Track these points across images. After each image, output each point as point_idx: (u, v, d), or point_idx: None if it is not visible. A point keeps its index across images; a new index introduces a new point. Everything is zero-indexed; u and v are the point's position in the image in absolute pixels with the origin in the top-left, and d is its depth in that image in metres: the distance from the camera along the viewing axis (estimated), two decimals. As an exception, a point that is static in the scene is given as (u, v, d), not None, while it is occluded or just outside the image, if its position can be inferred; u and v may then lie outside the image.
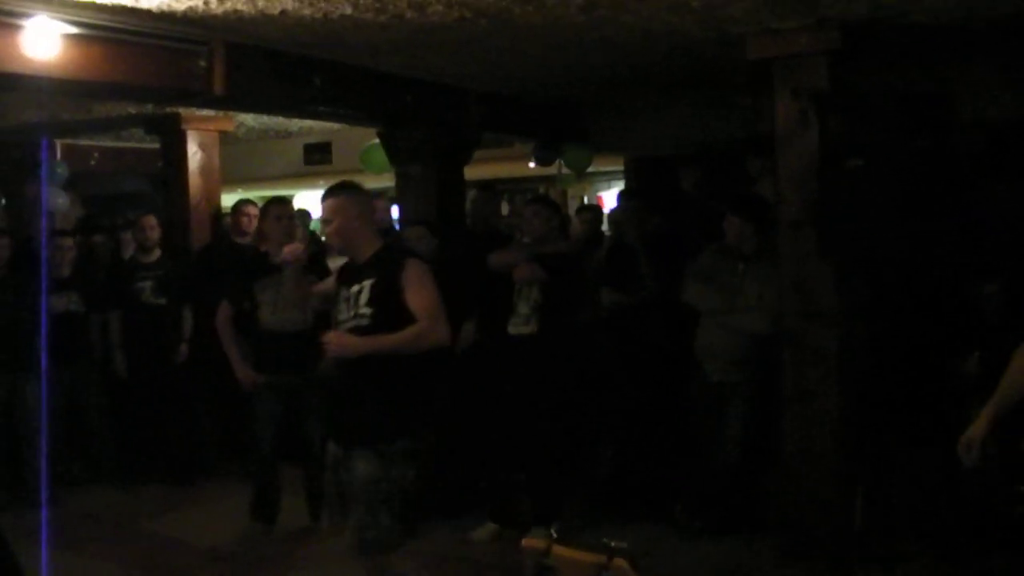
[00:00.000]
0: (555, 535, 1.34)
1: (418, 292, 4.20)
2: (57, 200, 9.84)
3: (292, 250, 4.58)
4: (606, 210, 9.45)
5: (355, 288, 4.28)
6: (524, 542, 1.41)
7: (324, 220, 4.40)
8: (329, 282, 4.68)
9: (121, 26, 5.26)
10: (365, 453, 4.19)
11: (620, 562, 1.51)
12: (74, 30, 5.09)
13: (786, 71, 5.64)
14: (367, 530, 4.19)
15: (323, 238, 5.96)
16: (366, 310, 4.22)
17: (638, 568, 1.54)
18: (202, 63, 5.70)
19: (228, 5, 5.08)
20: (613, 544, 1.55)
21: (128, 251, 8.38)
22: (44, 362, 6.80)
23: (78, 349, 7.52)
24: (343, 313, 4.32)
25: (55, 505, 7.05)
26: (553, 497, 6.01)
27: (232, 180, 11.58)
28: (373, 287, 4.22)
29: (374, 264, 4.31)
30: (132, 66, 5.43)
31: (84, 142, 10.84)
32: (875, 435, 5.91)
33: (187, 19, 5.31)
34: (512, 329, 5.96)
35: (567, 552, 1.53)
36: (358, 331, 4.22)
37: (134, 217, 8.35)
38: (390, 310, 4.18)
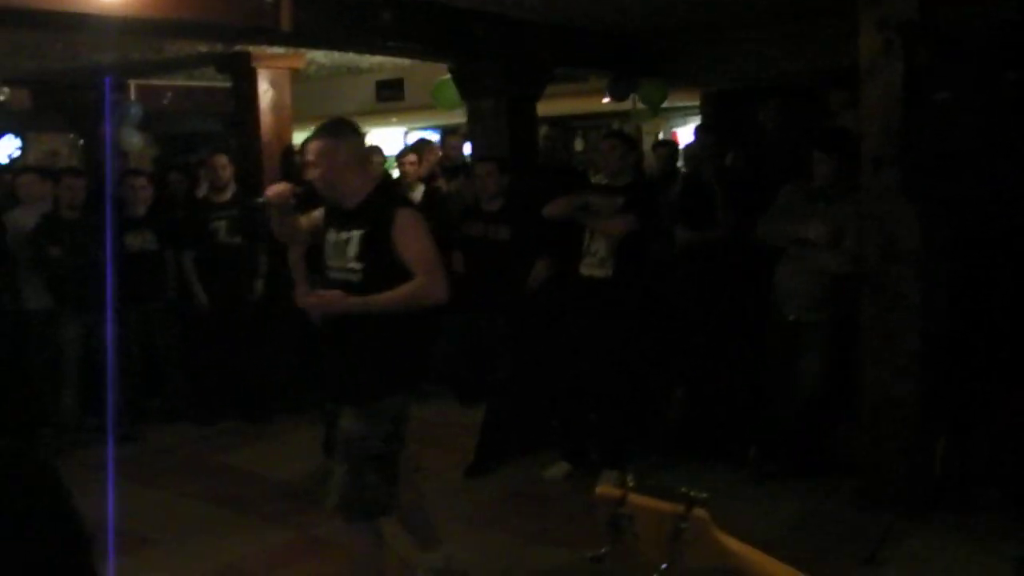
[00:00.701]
0: (630, 483, 1.28)
1: (411, 245, 3.90)
2: (132, 140, 9.94)
3: (276, 192, 4.10)
4: (682, 146, 9.25)
5: (343, 235, 3.98)
6: (598, 490, 1.34)
7: (311, 164, 4.12)
8: (316, 216, 4.26)
9: (188, -37, 5.22)
10: (352, 410, 3.97)
11: (700, 512, 1.43)
12: (141, -32, 5.07)
13: (871, 0, 5.42)
14: (351, 490, 3.94)
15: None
16: (356, 264, 3.92)
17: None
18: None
19: (295, -60, 5.01)
20: (692, 493, 1.47)
21: (203, 190, 8.43)
22: (113, 301, 6.86)
23: (153, 287, 7.61)
24: (332, 259, 4.04)
25: (133, 441, 7.22)
26: (623, 439, 5.96)
27: (304, 118, 11.54)
28: (364, 239, 3.92)
29: (364, 212, 3.98)
30: (200, 3, 5.40)
31: (157, 82, 10.89)
32: (957, 380, 5.75)
33: (254, -45, 5.26)
34: (585, 270, 5.86)
35: (643, 501, 1.45)
36: (348, 286, 3.91)
37: (207, 156, 8.38)
38: (382, 264, 3.88)
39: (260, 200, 4.27)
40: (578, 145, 13.38)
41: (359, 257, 3.90)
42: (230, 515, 5.89)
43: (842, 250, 5.72)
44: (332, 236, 4.04)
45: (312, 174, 4.10)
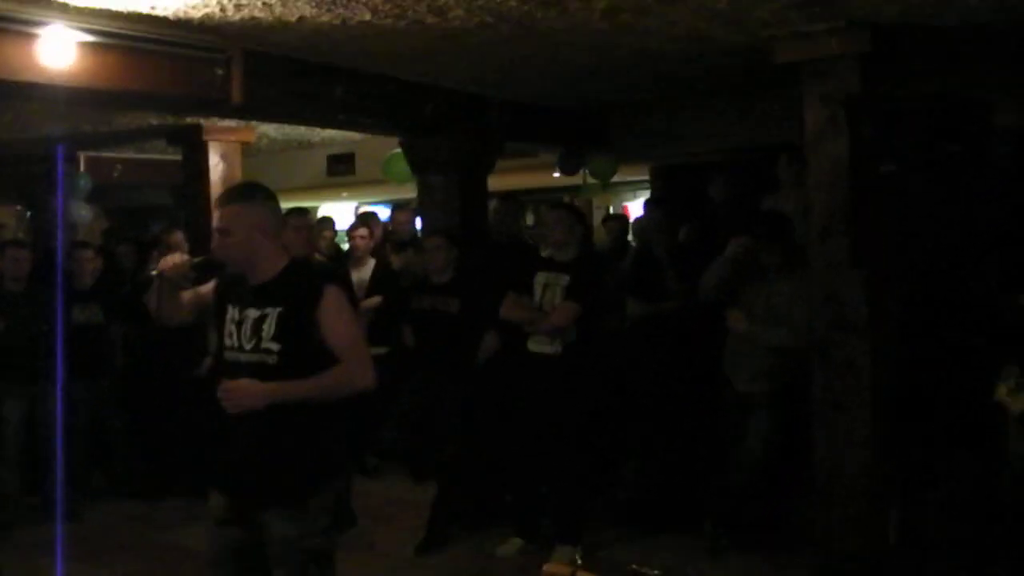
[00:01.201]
0: (579, 560, 1.21)
1: (338, 327, 3.54)
2: (80, 212, 9.86)
3: (172, 263, 3.70)
4: (632, 219, 9.32)
5: (254, 314, 3.54)
6: (545, 568, 1.27)
7: (220, 231, 3.61)
8: (204, 292, 3.84)
9: (137, 34, 5.20)
10: (282, 512, 3.52)
11: (648, 592, 1.38)
12: (90, 38, 5.04)
13: (815, 75, 5.52)
14: None
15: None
16: (273, 345, 3.47)
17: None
18: (219, 71, 5.64)
19: (245, 12, 5.01)
20: (644, 571, 1.42)
21: (153, 266, 8.32)
22: (62, 375, 6.75)
23: (100, 361, 7.47)
24: (235, 339, 3.56)
25: (75, 519, 7.03)
26: (576, 513, 5.89)
27: (255, 191, 11.54)
28: (282, 317, 3.49)
29: (282, 287, 3.57)
30: (149, 74, 5.37)
31: (107, 154, 10.84)
32: (909, 450, 5.77)
33: (204, 27, 5.25)
34: (534, 347, 5.81)
35: (593, 581, 1.40)
36: (263, 369, 3.47)
37: (161, 231, 8.30)
38: (302, 347, 3.49)
39: (153, 273, 3.79)
40: (528, 219, 13.43)
41: (276, 337, 3.47)
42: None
43: (789, 327, 5.75)
44: (238, 314, 3.58)
45: (220, 243, 3.62)
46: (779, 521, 5.98)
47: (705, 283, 6.09)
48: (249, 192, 3.74)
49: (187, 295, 3.85)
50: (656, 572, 1.36)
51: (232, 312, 3.60)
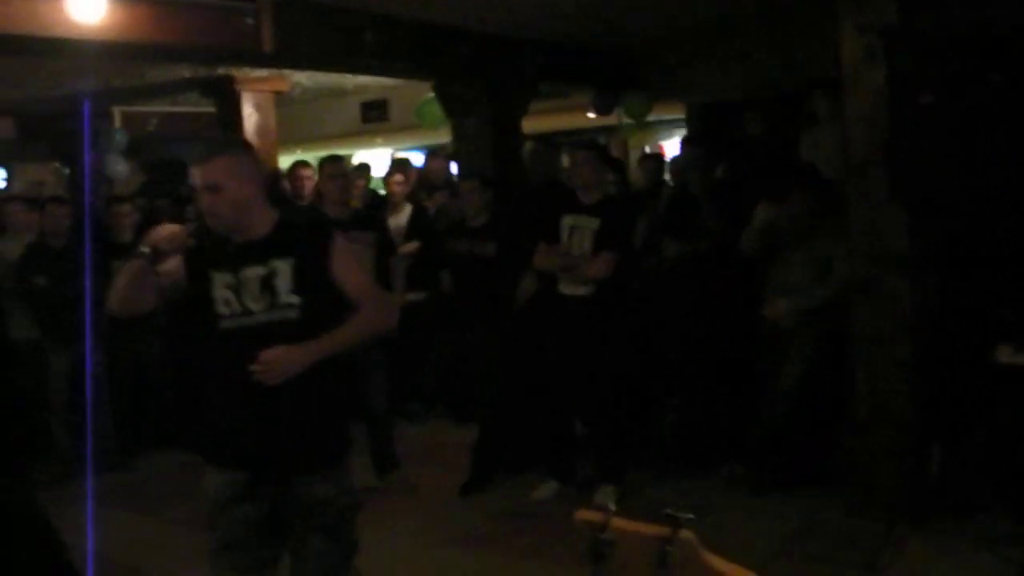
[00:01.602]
0: (613, 508, 1.22)
1: (352, 273, 3.45)
2: (117, 167, 9.90)
3: (168, 234, 3.33)
4: (668, 159, 9.25)
5: (259, 271, 3.31)
6: (578, 515, 1.27)
7: (210, 188, 3.27)
8: (171, 267, 3.39)
9: (166, -14, 5.21)
10: (325, 474, 3.41)
11: (687, 534, 1.37)
12: (119, -8, 5.05)
13: (851, 6, 5.41)
14: (339, 558, 3.50)
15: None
16: (292, 299, 3.30)
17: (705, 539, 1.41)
18: (249, 20, 5.64)
19: (273, -40, 5.00)
20: (678, 515, 1.41)
21: (192, 217, 8.39)
22: (98, 330, 6.82)
23: (142, 314, 7.52)
24: (235, 304, 3.31)
25: (123, 468, 7.16)
26: (618, 453, 5.91)
27: (290, 141, 11.56)
28: (297, 269, 3.31)
29: (286, 239, 3.37)
30: (179, 26, 5.38)
31: (141, 108, 10.86)
32: (950, 384, 5.72)
33: (232, -24, 5.25)
34: (566, 289, 5.79)
35: (627, 525, 1.39)
36: (283, 326, 3.28)
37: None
38: (321, 297, 3.36)
39: (143, 250, 3.30)
40: (564, 161, 13.34)
41: (296, 290, 3.30)
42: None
43: (829, 282, 5.71)
44: (227, 278, 3.32)
45: (211, 201, 3.29)
46: (821, 458, 5.96)
47: (744, 247, 6.10)
48: (234, 142, 3.57)
49: (167, 268, 3.38)
50: (690, 515, 1.36)
51: (222, 277, 3.31)
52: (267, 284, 3.30)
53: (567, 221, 5.81)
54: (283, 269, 3.30)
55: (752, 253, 6.10)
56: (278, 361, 3.23)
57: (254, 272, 3.30)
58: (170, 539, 5.91)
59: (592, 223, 5.73)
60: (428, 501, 6.21)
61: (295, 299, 3.30)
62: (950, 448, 5.63)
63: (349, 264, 3.44)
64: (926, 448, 5.58)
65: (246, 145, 3.55)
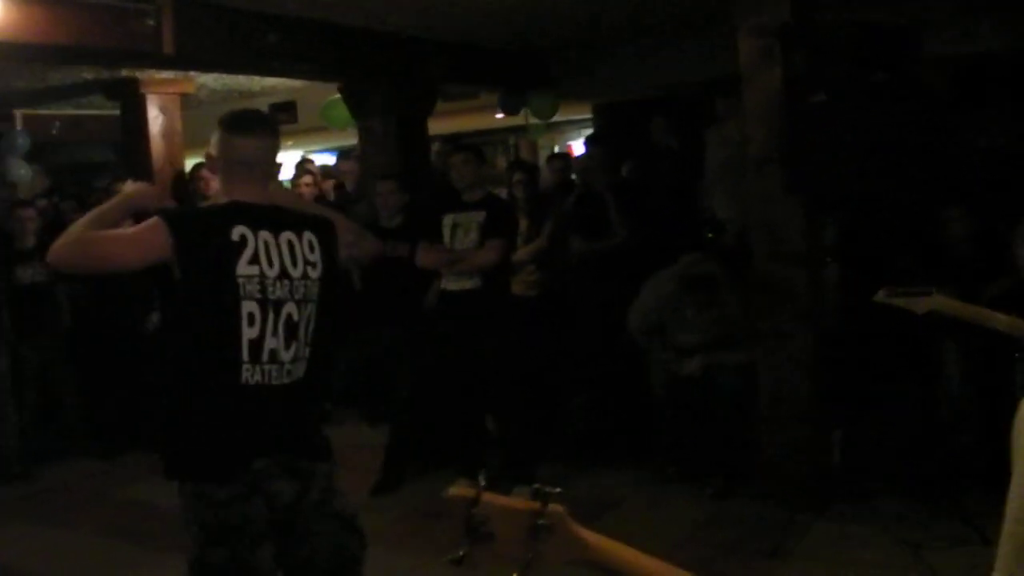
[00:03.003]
0: (483, 482, 1.26)
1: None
2: (19, 171, 9.71)
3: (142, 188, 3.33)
4: (575, 157, 9.35)
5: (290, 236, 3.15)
6: (450, 492, 1.32)
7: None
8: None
9: (63, -14, 5.14)
10: (319, 466, 3.23)
11: (556, 508, 1.43)
12: (14, -8, 4.97)
13: (748, 7, 5.57)
14: (350, 548, 3.37)
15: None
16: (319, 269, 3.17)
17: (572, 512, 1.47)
18: (150, 22, 5.58)
19: (173, -39, 4.96)
20: (547, 489, 1.48)
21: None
22: (4, 335, 6.72)
23: (46, 320, 7.43)
24: (277, 266, 3.07)
25: (29, 479, 7.02)
26: (526, 450, 5.98)
27: (198, 143, 11.38)
28: (321, 241, 3.24)
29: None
30: (77, 27, 5.30)
31: (45, 111, 10.66)
32: (850, 374, 5.89)
33: (132, -23, 5.19)
34: (452, 285, 5.92)
35: (498, 500, 1.45)
36: (312, 289, 3.17)
37: (104, 185, 8.22)
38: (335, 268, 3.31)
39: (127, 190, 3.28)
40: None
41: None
42: (130, 549, 5.77)
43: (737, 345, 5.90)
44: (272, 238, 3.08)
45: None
46: (726, 447, 6.09)
47: (632, 324, 6.22)
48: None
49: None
50: (558, 490, 1.41)
51: (260, 236, 3.02)
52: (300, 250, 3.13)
53: (447, 220, 5.99)
54: (308, 238, 3.16)
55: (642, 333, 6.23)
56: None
57: (288, 236, 3.12)
58: (78, 549, 5.83)
59: (478, 216, 5.90)
60: (340, 502, 6.21)
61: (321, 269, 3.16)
62: (850, 434, 5.80)
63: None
64: (827, 435, 5.75)
65: None
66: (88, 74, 8.38)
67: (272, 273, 3.00)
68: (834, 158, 5.22)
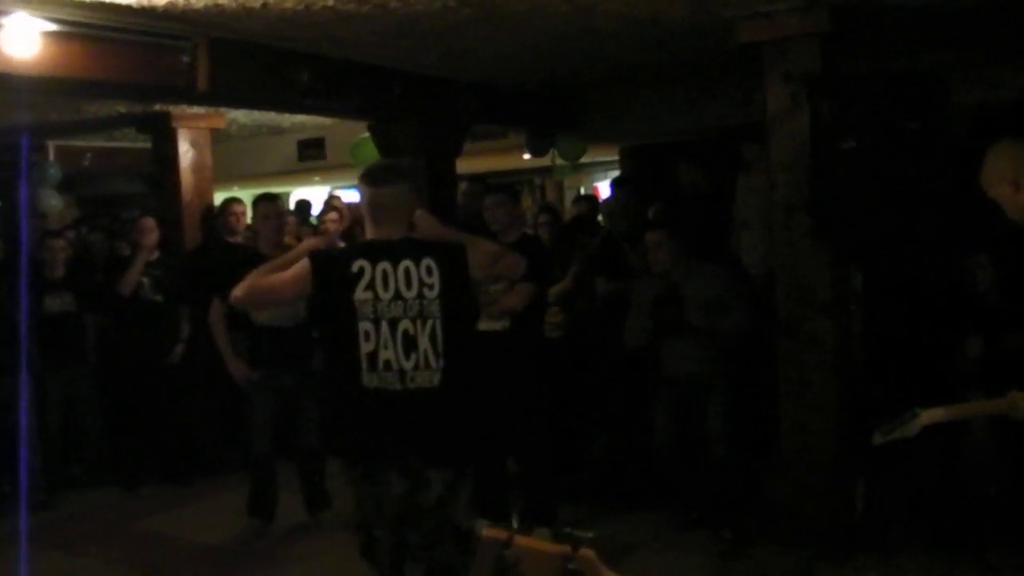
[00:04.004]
0: (516, 525, 1.26)
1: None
2: (50, 201, 9.81)
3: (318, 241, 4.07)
4: (601, 200, 9.39)
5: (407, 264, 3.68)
6: (484, 533, 1.33)
7: None
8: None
9: (101, 22, 5.21)
10: (446, 473, 3.66)
11: (587, 552, 1.44)
12: (53, 27, 5.05)
13: (776, 54, 5.59)
14: (450, 557, 3.69)
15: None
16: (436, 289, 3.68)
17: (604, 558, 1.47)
18: (185, 58, 5.64)
19: (209, -1, 5.03)
20: (578, 533, 1.48)
21: (126, 252, 8.34)
22: (29, 365, 6.77)
23: (73, 350, 7.49)
24: (391, 290, 3.65)
25: (50, 508, 7.05)
26: (547, 492, 5.95)
27: (226, 178, 11.53)
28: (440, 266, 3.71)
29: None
30: (114, 63, 5.37)
31: (77, 143, 10.78)
32: (873, 422, 5.85)
33: (168, 14, 5.26)
34: (484, 325, 5.82)
35: (529, 543, 1.46)
36: (427, 309, 3.67)
37: (131, 217, 8.29)
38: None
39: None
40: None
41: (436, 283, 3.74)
42: (144, 581, 5.79)
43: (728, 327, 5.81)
44: (389, 267, 3.68)
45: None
46: (747, 494, 6.06)
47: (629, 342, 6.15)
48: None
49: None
50: (590, 534, 1.41)
51: (379, 267, 3.60)
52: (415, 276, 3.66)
53: None
54: (427, 263, 3.67)
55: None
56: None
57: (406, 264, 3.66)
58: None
59: None
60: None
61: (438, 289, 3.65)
62: (874, 483, 5.76)
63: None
64: (851, 483, 5.71)
65: None
66: (121, 107, 8.48)
67: (387, 296, 3.58)
68: (861, 206, 5.23)
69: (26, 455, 6.84)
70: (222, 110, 8.70)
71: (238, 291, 3.71)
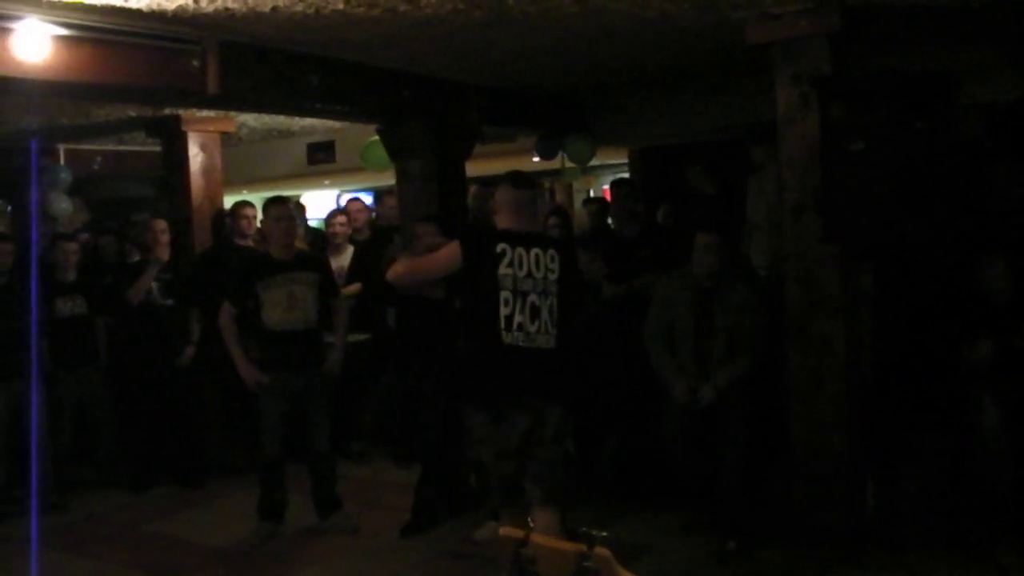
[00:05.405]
0: (531, 524, 1.28)
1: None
2: (60, 205, 9.84)
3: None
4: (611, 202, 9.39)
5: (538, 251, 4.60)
6: (501, 531, 1.34)
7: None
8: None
9: (111, 27, 5.23)
10: (557, 409, 4.48)
11: (602, 551, 1.44)
12: (64, 32, 5.07)
13: (786, 55, 5.59)
14: (560, 478, 4.44)
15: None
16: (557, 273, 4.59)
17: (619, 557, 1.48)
18: (195, 62, 5.66)
19: (219, 3, 5.04)
20: (594, 532, 1.49)
21: (135, 256, 8.37)
22: (40, 368, 6.79)
23: (85, 353, 7.52)
24: (527, 269, 4.54)
25: (61, 510, 7.07)
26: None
27: (236, 181, 11.55)
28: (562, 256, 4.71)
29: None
30: (124, 67, 5.39)
31: (87, 146, 10.80)
32: (885, 422, 5.85)
33: (178, 18, 5.27)
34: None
35: (546, 541, 1.46)
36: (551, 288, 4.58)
37: (142, 219, 8.30)
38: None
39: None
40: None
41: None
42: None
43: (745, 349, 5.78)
44: (526, 252, 4.57)
45: None
46: (758, 495, 6.04)
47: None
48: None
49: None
50: (604, 533, 1.42)
51: (517, 250, 4.52)
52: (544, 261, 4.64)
53: None
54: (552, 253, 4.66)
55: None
56: None
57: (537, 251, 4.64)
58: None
59: None
60: (370, 541, 6.22)
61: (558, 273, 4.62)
62: (884, 486, 5.75)
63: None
64: (863, 484, 5.70)
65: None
66: (131, 111, 8.50)
67: (521, 273, 4.49)
68: (871, 207, 5.22)
69: (37, 457, 6.86)
70: (232, 114, 8.71)
71: (397, 271, 4.78)
